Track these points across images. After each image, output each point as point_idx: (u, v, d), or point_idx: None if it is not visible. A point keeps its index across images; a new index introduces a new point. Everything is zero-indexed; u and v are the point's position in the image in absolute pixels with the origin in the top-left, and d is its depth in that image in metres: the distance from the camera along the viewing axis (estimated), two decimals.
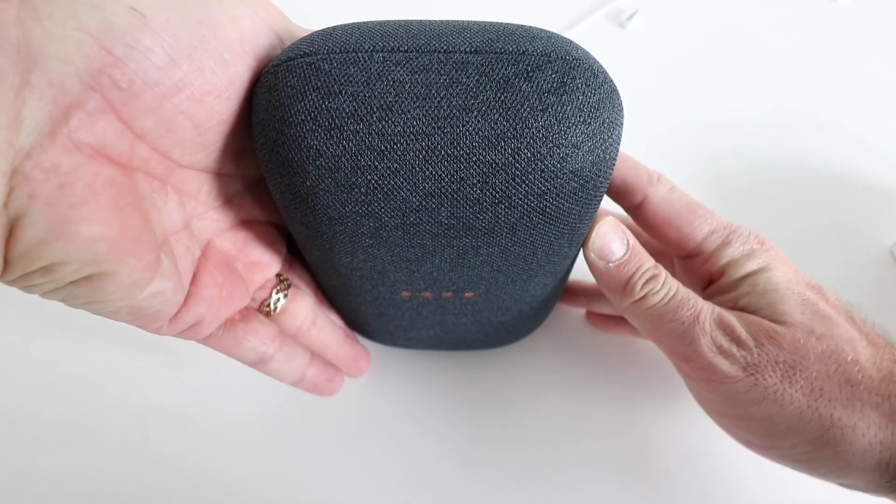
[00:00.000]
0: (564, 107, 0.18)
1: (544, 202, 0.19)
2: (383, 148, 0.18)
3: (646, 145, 0.31)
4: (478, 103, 0.18)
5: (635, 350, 0.32)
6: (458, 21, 0.20)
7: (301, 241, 0.23)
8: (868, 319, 0.23)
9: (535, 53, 0.18)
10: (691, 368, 0.23)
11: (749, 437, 0.23)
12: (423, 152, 0.18)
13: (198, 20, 0.17)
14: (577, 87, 0.18)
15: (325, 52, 0.18)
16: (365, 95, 0.18)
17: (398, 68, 0.18)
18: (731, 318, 0.22)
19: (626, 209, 0.26)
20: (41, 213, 0.15)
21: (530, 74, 0.18)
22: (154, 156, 0.18)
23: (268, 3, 0.20)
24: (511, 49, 0.18)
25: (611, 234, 0.23)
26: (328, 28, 0.20)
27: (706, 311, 0.22)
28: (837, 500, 0.25)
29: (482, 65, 0.18)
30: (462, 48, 0.18)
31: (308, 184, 0.19)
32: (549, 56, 0.18)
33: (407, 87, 0.18)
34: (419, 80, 0.18)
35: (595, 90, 0.18)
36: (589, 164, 0.18)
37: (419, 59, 0.18)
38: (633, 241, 0.24)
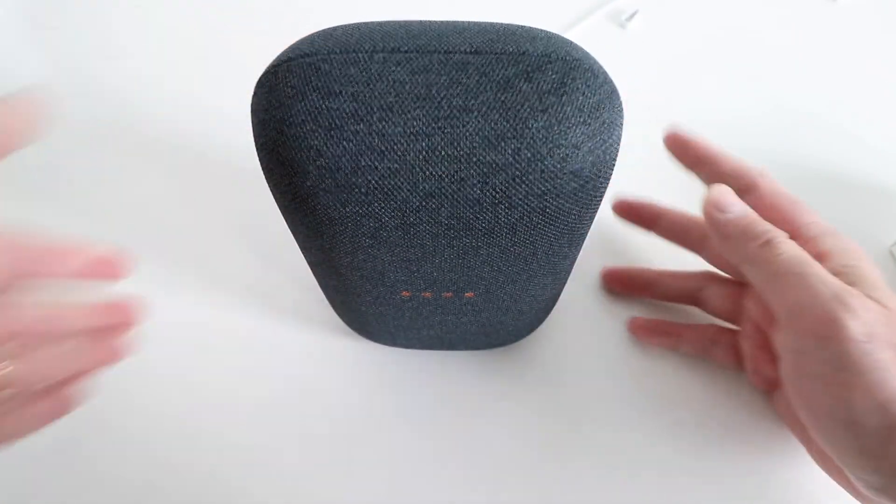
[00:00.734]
0: (564, 107, 0.18)
1: (544, 202, 0.19)
2: (384, 148, 0.18)
3: (646, 145, 0.31)
4: (478, 104, 0.18)
5: (635, 351, 0.32)
6: (458, 21, 0.20)
7: (301, 242, 0.23)
8: None
9: (536, 54, 0.18)
10: (809, 322, 0.23)
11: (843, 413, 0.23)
12: (424, 153, 0.18)
13: None
14: (578, 88, 0.18)
15: (326, 52, 0.18)
16: (365, 96, 0.18)
17: (398, 69, 0.18)
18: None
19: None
20: None
21: (530, 75, 0.18)
22: None
23: None
24: (511, 50, 0.18)
25: (726, 192, 0.26)
26: (328, 28, 0.20)
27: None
28: None
29: (482, 65, 0.18)
30: (462, 49, 0.18)
31: (308, 184, 0.19)
32: (550, 57, 0.18)
33: (407, 88, 0.18)
34: (419, 80, 0.18)
35: (595, 91, 0.18)
36: (589, 165, 0.18)
37: (419, 59, 0.18)
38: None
